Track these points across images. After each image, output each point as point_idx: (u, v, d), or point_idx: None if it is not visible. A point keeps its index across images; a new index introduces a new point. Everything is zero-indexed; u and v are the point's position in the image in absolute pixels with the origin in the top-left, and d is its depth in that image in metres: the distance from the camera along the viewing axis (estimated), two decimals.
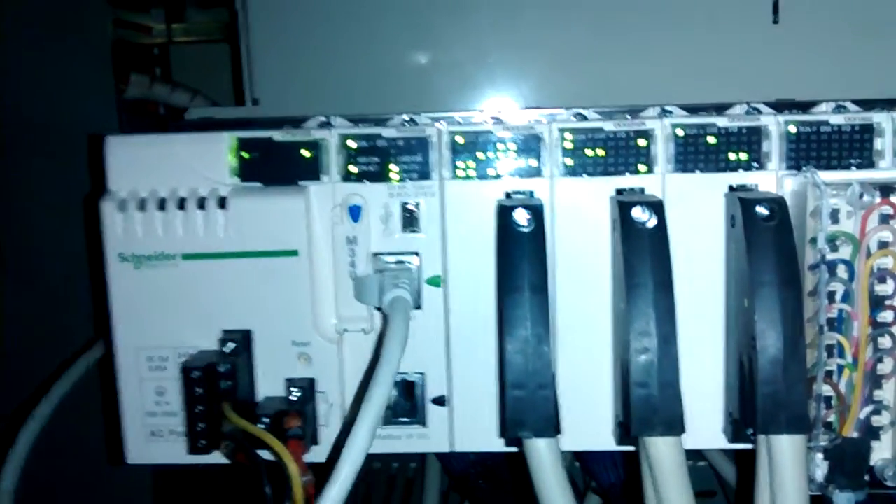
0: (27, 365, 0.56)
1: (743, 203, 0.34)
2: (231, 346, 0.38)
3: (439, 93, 0.55)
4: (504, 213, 0.35)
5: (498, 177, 0.38)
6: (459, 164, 0.38)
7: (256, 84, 0.53)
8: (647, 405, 0.33)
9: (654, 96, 0.45)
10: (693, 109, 0.41)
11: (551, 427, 0.33)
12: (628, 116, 0.41)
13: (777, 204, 0.34)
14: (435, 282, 0.39)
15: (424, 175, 0.39)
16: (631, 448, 0.37)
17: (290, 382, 0.39)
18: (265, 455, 0.35)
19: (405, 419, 0.40)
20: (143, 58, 0.66)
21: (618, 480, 0.56)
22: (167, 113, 0.67)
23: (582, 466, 0.62)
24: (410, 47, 0.55)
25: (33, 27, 0.56)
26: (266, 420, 0.37)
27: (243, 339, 0.38)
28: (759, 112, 0.39)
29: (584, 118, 0.45)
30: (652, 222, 0.34)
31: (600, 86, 0.54)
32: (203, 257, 0.38)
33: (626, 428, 0.34)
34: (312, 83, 0.54)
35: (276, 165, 0.39)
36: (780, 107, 0.40)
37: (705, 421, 0.38)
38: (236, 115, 0.52)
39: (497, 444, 0.39)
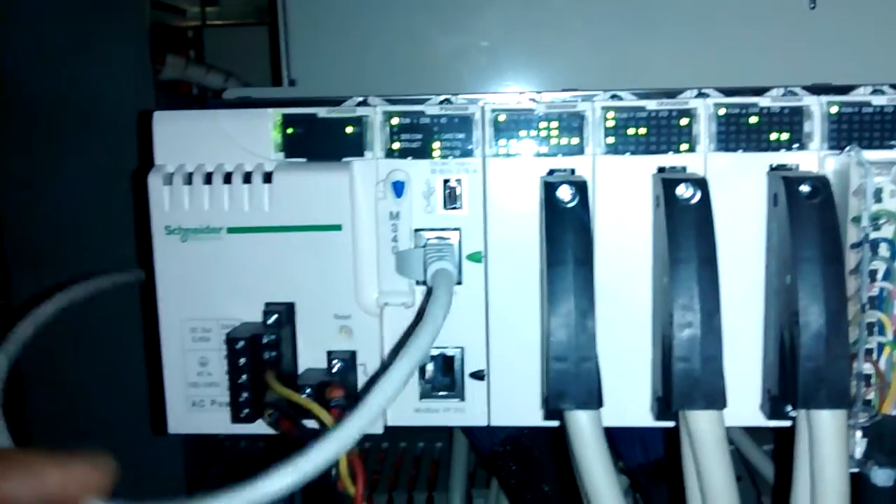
0: (73, 337, 0.56)
1: (787, 181, 0.34)
2: (274, 317, 0.39)
3: (474, 74, 0.56)
4: (549, 188, 0.35)
5: (540, 154, 0.39)
6: (501, 141, 0.39)
7: (294, 65, 0.54)
8: (690, 379, 0.33)
9: (691, 81, 0.46)
10: (729, 93, 0.42)
11: (594, 399, 0.34)
12: (665, 98, 0.41)
13: (820, 182, 0.34)
14: (476, 258, 0.39)
15: (467, 152, 0.39)
16: (669, 424, 0.37)
17: (332, 354, 0.40)
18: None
19: (444, 393, 0.41)
20: (178, 40, 0.67)
21: (645, 461, 0.56)
22: (200, 94, 0.68)
23: (609, 447, 0.62)
24: (445, 29, 0.56)
25: (76, 11, 0.56)
26: (309, 390, 0.37)
27: (286, 312, 0.39)
28: (797, 95, 0.40)
29: (621, 100, 0.45)
30: (696, 199, 0.34)
31: (635, 70, 0.55)
32: (248, 231, 0.39)
33: (667, 403, 0.34)
34: (349, 64, 0.55)
35: (319, 141, 0.39)
36: (816, 91, 0.40)
37: (743, 398, 0.38)
38: (274, 95, 0.53)
39: (533, 418, 0.40)
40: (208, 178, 0.39)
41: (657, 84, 0.48)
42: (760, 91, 0.42)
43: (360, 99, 0.43)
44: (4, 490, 0.24)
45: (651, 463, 0.56)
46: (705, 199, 0.34)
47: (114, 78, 0.58)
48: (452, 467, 0.64)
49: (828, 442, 0.33)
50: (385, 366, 0.39)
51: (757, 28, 0.54)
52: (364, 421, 0.30)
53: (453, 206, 0.39)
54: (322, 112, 0.39)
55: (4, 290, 0.63)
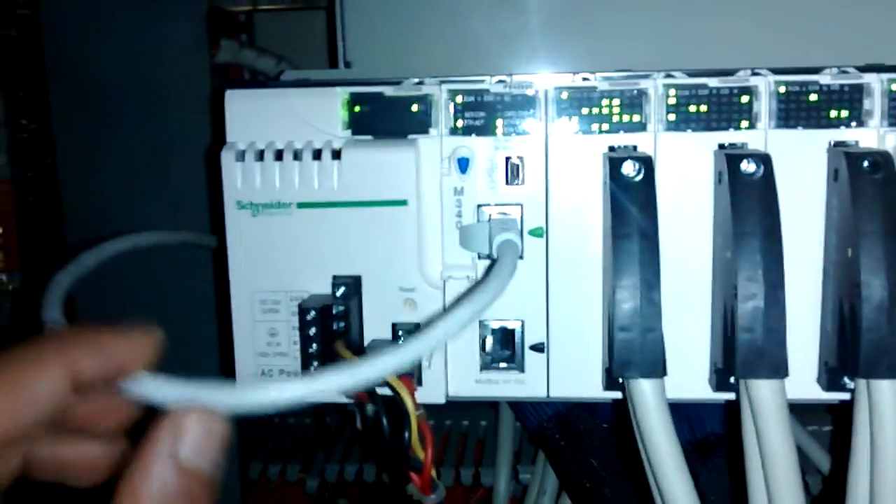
0: (146, 306, 0.58)
1: (848, 157, 0.35)
2: (342, 289, 0.40)
3: (526, 55, 0.56)
4: (614, 164, 0.36)
5: (601, 132, 0.40)
6: (563, 118, 0.40)
7: (349, 47, 0.55)
8: (753, 349, 0.34)
9: (741, 61, 0.46)
10: (783, 73, 0.42)
11: (659, 368, 0.35)
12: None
13: (882, 157, 0.35)
14: (537, 233, 0.40)
15: (529, 130, 0.40)
16: (728, 396, 0.38)
17: (397, 326, 0.41)
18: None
19: (504, 365, 0.42)
20: (231, 24, 0.68)
21: (693, 439, 0.57)
22: (252, 78, 0.69)
23: None
24: (497, 10, 0.56)
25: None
26: None
27: (354, 284, 0.40)
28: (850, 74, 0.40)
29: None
30: (760, 174, 0.35)
31: (684, 50, 0.55)
32: (317, 206, 0.40)
33: (729, 372, 0.35)
34: (403, 46, 0.56)
35: (386, 119, 0.41)
36: (871, 70, 0.41)
37: (800, 372, 0.39)
38: (331, 76, 0.54)
39: (591, 391, 0.41)
40: (279, 155, 0.40)
41: (706, 64, 0.49)
42: (814, 71, 0.42)
43: (417, 80, 0.44)
44: (77, 364, 0.26)
45: (698, 440, 0.57)
46: (769, 174, 0.35)
47: (172, 61, 0.59)
48: (499, 443, 0.66)
49: (889, 410, 0.33)
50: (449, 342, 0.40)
51: (810, 8, 0.54)
52: (425, 344, 0.29)
53: (515, 181, 0.40)
54: (388, 90, 0.41)
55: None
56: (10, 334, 0.70)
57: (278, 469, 0.69)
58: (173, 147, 0.60)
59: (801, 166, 0.38)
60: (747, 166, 0.35)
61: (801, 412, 0.62)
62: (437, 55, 0.57)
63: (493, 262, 0.37)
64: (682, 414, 0.58)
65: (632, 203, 0.36)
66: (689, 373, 0.40)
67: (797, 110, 0.38)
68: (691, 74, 0.43)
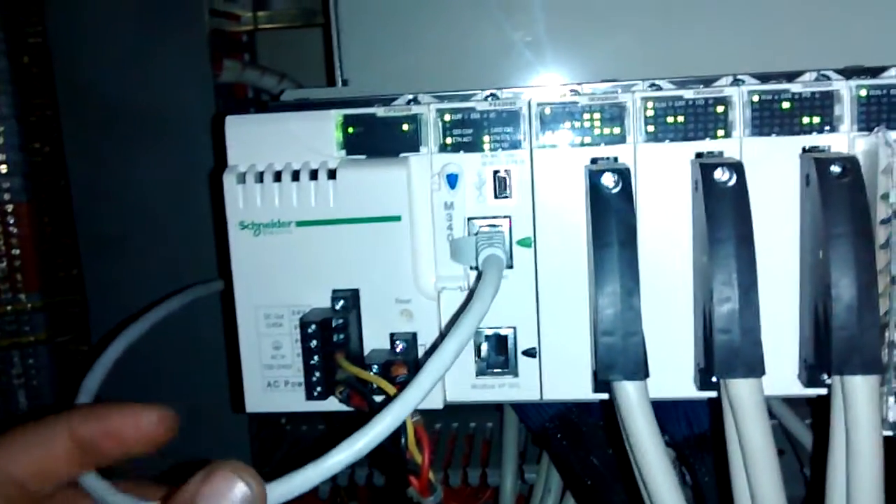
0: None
1: (818, 162, 0.37)
2: (341, 303, 0.42)
3: (517, 68, 0.58)
4: (594, 176, 0.38)
5: (583, 144, 0.41)
6: (547, 133, 0.42)
7: (346, 66, 0.57)
8: (730, 349, 0.36)
9: (727, 65, 0.48)
10: (764, 78, 0.44)
11: (640, 370, 0.36)
12: (701, 86, 0.43)
13: (850, 162, 0.36)
14: (525, 243, 0.42)
15: (515, 144, 0.42)
16: (710, 394, 0.40)
17: (394, 336, 0.43)
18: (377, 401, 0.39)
19: (498, 370, 0.43)
20: (234, 45, 0.70)
21: (690, 434, 0.58)
22: (255, 96, 0.72)
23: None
24: (488, 27, 0.58)
25: (143, 22, 0.60)
26: (376, 368, 0.41)
27: (352, 297, 0.42)
28: (829, 79, 0.42)
29: (660, 89, 0.48)
30: (732, 181, 0.37)
31: (672, 57, 0.57)
32: (315, 224, 0.42)
33: (709, 372, 0.37)
34: (399, 62, 0.58)
35: (378, 139, 0.43)
36: (849, 73, 0.42)
37: (782, 369, 0.40)
38: (329, 95, 0.56)
39: (582, 393, 0.43)
40: (277, 177, 0.42)
41: (694, 69, 0.50)
42: (794, 75, 0.44)
43: (411, 96, 0.46)
44: (77, 430, 0.35)
45: (695, 436, 0.59)
46: (741, 181, 0.37)
47: (178, 83, 0.62)
48: (504, 445, 0.67)
49: (861, 405, 0.35)
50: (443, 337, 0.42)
51: (790, 11, 0.55)
52: (421, 391, 0.33)
53: (503, 195, 0.42)
54: (380, 112, 0.42)
55: (80, 286, 0.67)
56: (32, 351, 0.73)
57: None
58: (181, 165, 0.62)
59: (776, 172, 0.40)
60: (720, 175, 0.37)
61: (798, 406, 0.64)
62: (431, 70, 0.59)
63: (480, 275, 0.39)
64: (680, 410, 0.60)
65: (611, 214, 0.37)
66: (677, 372, 0.42)
67: (770, 118, 0.40)
68: (676, 82, 0.45)
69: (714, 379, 0.37)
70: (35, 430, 0.35)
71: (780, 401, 0.63)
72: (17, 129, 0.72)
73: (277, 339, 0.44)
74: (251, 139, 0.43)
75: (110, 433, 0.35)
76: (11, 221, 0.72)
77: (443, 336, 0.43)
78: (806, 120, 0.40)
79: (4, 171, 0.72)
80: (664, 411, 0.59)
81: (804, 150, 0.40)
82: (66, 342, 0.75)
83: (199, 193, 0.61)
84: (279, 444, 0.75)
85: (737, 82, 0.43)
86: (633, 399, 0.37)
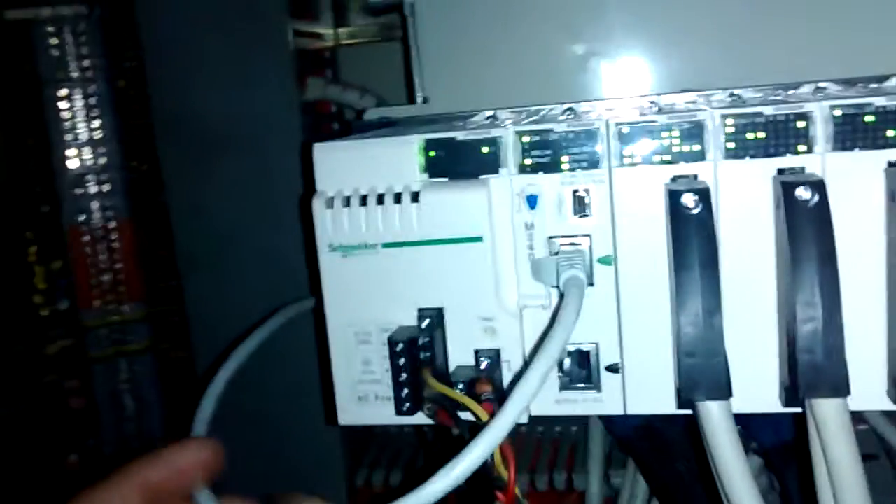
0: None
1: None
2: (427, 321, 0.43)
3: (596, 80, 0.59)
4: (674, 197, 0.38)
5: (663, 162, 0.42)
6: (626, 151, 0.42)
7: (426, 84, 0.59)
8: (814, 369, 0.36)
9: (811, 70, 0.47)
10: (847, 83, 0.43)
11: (724, 391, 0.37)
12: (781, 92, 0.43)
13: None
14: (606, 261, 0.43)
15: (593, 164, 0.42)
16: (797, 410, 0.40)
17: (479, 353, 0.44)
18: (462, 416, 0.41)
19: (581, 385, 0.44)
20: (317, 62, 0.73)
21: (778, 442, 0.58)
22: (339, 111, 0.74)
23: (743, 428, 0.64)
24: (565, 40, 0.59)
25: (232, 45, 0.63)
26: (461, 385, 0.42)
27: (437, 316, 0.44)
28: None
29: (739, 98, 0.47)
30: (815, 200, 0.36)
31: (754, 63, 0.56)
32: (400, 245, 0.44)
33: (794, 391, 0.37)
34: (478, 78, 0.59)
35: (459, 162, 0.44)
36: None
37: (870, 384, 0.40)
38: (409, 113, 0.57)
39: (666, 407, 0.43)
40: (363, 201, 0.44)
41: (776, 75, 0.50)
42: (880, 80, 0.43)
43: (490, 113, 0.47)
44: (148, 479, 0.37)
45: (783, 443, 0.58)
46: (824, 200, 0.37)
47: (266, 104, 0.64)
48: (590, 449, 0.68)
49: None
50: (526, 363, 0.44)
51: (874, 14, 0.54)
52: (508, 420, 0.35)
53: (583, 213, 0.43)
54: (460, 135, 0.44)
55: (178, 297, 0.71)
56: (136, 359, 0.77)
57: (382, 476, 0.73)
58: (271, 182, 0.65)
59: (860, 186, 0.39)
60: (802, 193, 0.37)
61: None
62: (511, 84, 0.60)
63: (563, 295, 0.39)
64: (768, 419, 0.59)
65: (692, 234, 0.38)
66: (763, 386, 0.42)
67: (853, 132, 0.39)
68: (756, 91, 0.45)
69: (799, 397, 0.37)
70: (106, 491, 0.36)
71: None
72: (118, 149, 0.77)
73: (367, 356, 0.45)
74: (338, 165, 0.45)
75: (181, 472, 0.38)
76: (114, 237, 0.77)
77: (526, 354, 0.44)
78: (891, 133, 0.39)
79: (107, 189, 0.76)
80: (753, 419, 0.59)
81: (889, 164, 0.39)
82: (167, 349, 0.79)
83: (286, 210, 0.64)
84: (370, 446, 0.78)
85: (819, 90, 0.43)
86: (716, 419, 0.37)
